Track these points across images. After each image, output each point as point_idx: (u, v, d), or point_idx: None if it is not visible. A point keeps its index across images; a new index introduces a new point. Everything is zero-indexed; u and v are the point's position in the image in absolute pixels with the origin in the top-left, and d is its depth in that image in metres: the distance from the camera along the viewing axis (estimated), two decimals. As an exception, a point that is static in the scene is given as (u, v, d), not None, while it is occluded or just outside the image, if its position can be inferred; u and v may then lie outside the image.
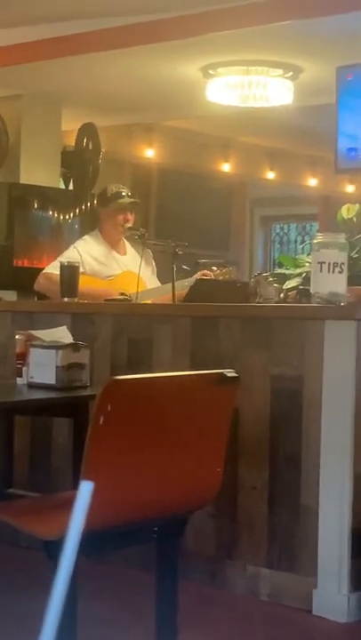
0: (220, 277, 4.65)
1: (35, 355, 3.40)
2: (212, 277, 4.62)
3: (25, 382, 3.44)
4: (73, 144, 7.04)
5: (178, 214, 9.04)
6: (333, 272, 3.41)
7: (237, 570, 3.45)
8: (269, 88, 5.90)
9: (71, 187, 7.10)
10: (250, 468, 3.44)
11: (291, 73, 5.84)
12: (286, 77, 5.87)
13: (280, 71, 5.81)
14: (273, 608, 3.31)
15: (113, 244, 4.92)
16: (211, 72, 5.85)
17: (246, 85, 5.83)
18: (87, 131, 7.00)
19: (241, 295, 4.08)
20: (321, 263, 3.43)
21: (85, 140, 6.99)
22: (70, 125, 6.95)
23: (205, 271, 4.65)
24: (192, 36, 5.17)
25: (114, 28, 5.28)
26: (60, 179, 7.08)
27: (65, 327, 3.69)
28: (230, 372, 2.82)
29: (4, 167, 6.57)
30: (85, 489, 1.01)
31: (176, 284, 4.29)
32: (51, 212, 6.66)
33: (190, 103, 6.69)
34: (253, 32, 5.09)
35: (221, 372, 2.82)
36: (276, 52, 5.56)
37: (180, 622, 2.92)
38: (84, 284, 4.32)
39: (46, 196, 6.64)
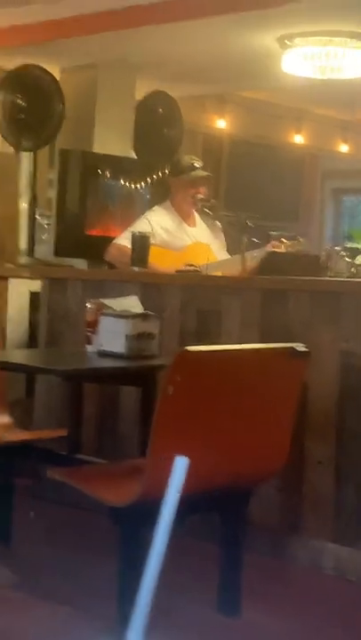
0: (290, 249, 4.62)
1: (105, 323, 3.43)
2: (283, 250, 4.59)
3: (95, 350, 3.47)
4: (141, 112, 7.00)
5: (248, 186, 8.98)
6: None
7: (302, 543, 3.45)
8: (346, 59, 5.81)
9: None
10: (316, 442, 3.43)
11: (368, 44, 5.74)
12: (363, 48, 5.77)
13: (358, 42, 5.71)
14: (337, 582, 3.32)
15: (184, 216, 4.91)
16: (287, 42, 5.77)
17: (323, 56, 5.74)
18: (158, 99, 6.96)
19: (312, 268, 4.05)
20: (394, 238, 3.39)
21: (158, 110, 6.96)
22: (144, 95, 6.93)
23: (275, 242, 4.62)
24: (270, 6, 5.11)
25: (191, -2, 5.25)
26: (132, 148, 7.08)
27: (135, 297, 3.71)
28: (301, 347, 2.82)
29: (77, 135, 6.59)
30: (180, 464, 1.02)
31: (246, 255, 4.27)
32: (122, 181, 6.67)
33: (265, 74, 6.63)
34: (332, 2, 5.01)
35: (292, 347, 2.81)
36: (354, 22, 5.47)
37: (243, 594, 2.95)
38: (153, 257, 4.33)
39: (118, 165, 6.65)
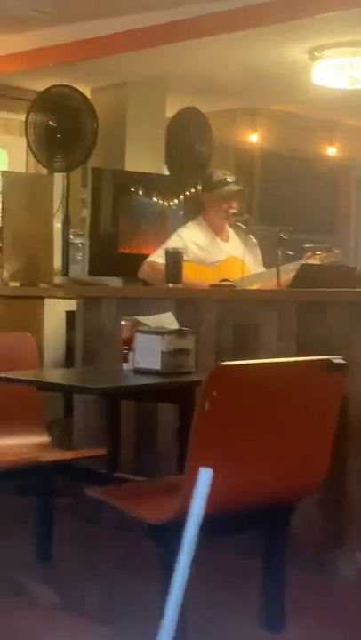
0: (326, 261, 4.59)
1: (140, 340, 3.42)
2: (318, 262, 4.56)
3: (131, 367, 3.46)
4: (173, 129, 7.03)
5: (282, 199, 8.96)
6: None
7: (345, 558, 3.41)
8: (377, 69, 5.79)
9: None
10: (357, 455, 3.39)
11: None
12: (394, 58, 5.75)
13: (387, 52, 5.69)
14: (381, 597, 3.27)
15: (217, 231, 4.90)
16: (317, 54, 5.76)
17: (354, 67, 5.72)
18: (190, 116, 6.98)
19: (348, 280, 4.01)
20: None
21: (190, 126, 6.97)
22: (175, 112, 6.95)
23: (309, 255, 4.59)
24: (299, 18, 5.10)
25: (219, 13, 5.25)
26: (164, 165, 7.10)
27: (170, 313, 3.70)
28: (338, 359, 2.78)
29: (109, 154, 6.62)
30: (204, 476, 1.00)
31: (281, 268, 4.25)
32: (155, 199, 6.69)
33: (296, 86, 6.61)
34: (360, 13, 4.99)
35: (329, 359, 2.78)
36: (383, 32, 5.45)
37: (286, 609, 2.91)
38: (187, 273, 4.32)
39: (150, 183, 6.67)
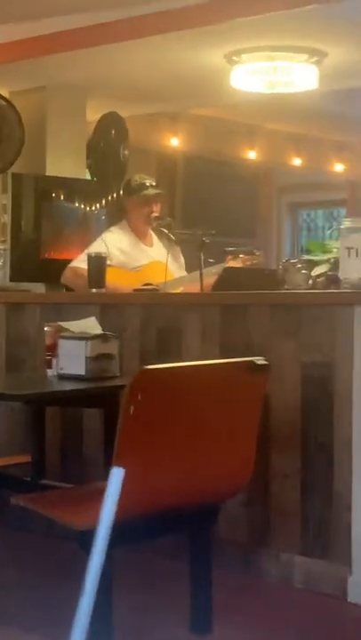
0: (248, 263, 4.62)
1: (64, 346, 3.41)
2: (240, 265, 4.60)
3: (55, 373, 3.45)
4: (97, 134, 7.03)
5: (204, 202, 9.01)
6: (362, 257, 3.38)
7: (271, 558, 3.44)
8: (294, 73, 5.85)
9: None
10: (281, 455, 3.42)
11: (316, 58, 5.79)
12: (311, 62, 5.82)
13: (305, 56, 5.76)
14: (307, 596, 3.31)
15: (140, 236, 4.91)
16: (235, 59, 5.81)
17: (271, 71, 5.79)
18: (111, 120, 6.98)
19: (269, 282, 4.05)
20: (349, 249, 3.41)
21: (111, 131, 6.98)
22: (95, 116, 6.94)
23: (231, 258, 4.63)
24: (215, 23, 5.14)
25: (136, 17, 5.26)
26: (87, 170, 7.08)
27: (94, 318, 3.69)
28: (261, 360, 2.81)
29: (29, 159, 6.57)
30: (116, 475, 1.01)
31: (204, 272, 4.28)
32: (77, 204, 6.66)
33: (215, 91, 6.66)
34: (277, 17, 5.04)
35: (252, 360, 2.81)
36: (300, 36, 5.52)
37: (214, 610, 2.93)
38: (110, 278, 4.32)
39: (72, 188, 6.64)
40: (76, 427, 4.05)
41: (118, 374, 3.41)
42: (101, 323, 3.66)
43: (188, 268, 4.86)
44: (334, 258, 3.80)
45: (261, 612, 3.17)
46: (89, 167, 7.04)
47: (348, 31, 5.35)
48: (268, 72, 5.79)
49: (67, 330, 3.51)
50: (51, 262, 6.18)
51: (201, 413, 2.71)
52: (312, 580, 3.34)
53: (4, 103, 6.28)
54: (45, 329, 3.61)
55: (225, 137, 8.62)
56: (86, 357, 3.34)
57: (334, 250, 3.91)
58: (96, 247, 4.69)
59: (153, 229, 4.93)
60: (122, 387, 3.15)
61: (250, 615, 3.13)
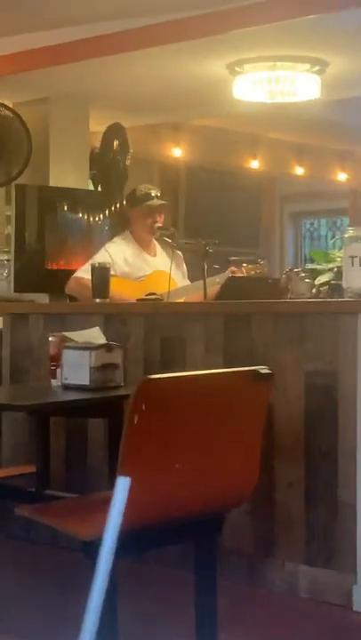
0: (252, 272, 4.63)
1: (68, 356, 3.41)
2: (243, 274, 4.61)
3: (59, 383, 3.45)
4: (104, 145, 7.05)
5: (207, 212, 9.02)
6: (365, 266, 3.39)
7: (276, 567, 3.44)
8: (296, 83, 5.87)
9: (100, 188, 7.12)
10: (286, 464, 3.42)
11: (317, 67, 5.81)
12: (313, 72, 5.84)
13: (307, 66, 5.78)
14: (312, 605, 3.30)
15: (144, 246, 4.92)
16: (237, 69, 5.83)
17: (273, 81, 5.80)
18: (115, 131, 7.01)
19: (273, 291, 4.06)
20: (353, 257, 3.42)
21: (114, 142, 7.00)
22: (98, 127, 6.96)
23: (234, 267, 4.64)
24: (217, 33, 5.16)
25: (139, 29, 5.28)
26: (90, 180, 7.10)
27: (98, 328, 3.70)
28: (264, 369, 2.81)
29: (33, 170, 6.59)
30: (122, 484, 1.01)
31: (207, 281, 4.28)
32: (81, 214, 6.68)
33: (217, 101, 6.68)
34: (279, 27, 5.06)
35: (255, 370, 2.81)
36: (302, 46, 5.54)
37: (219, 620, 2.92)
38: (113, 288, 4.33)
39: (76, 198, 6.66)
40: (80, 437, 4.05)
41: (122, 384, 3.41)
42: (105, 333, 3.67)
43: (192, 279, 4.87)
44: (338, 267, 3.81)
45: (266, 622, 3.16)
46: (92, 178, 7.06)
47: (349, 40, 5.37)
48: (271, 82, 5.81)
49: (71, 340, 3.51)
50: (55, 273, 6.19)
51: (205, 423, 2.71)
52: (317, 589, 3.34)
53: (10, 115, 6.30)
54: (49, 339, 3.62)
55: (227, 147, 8.64)
56: (90, 367, 3.34)
57: (338, 259, 3.92)
58: (100, 258, 4.70)
59: (156, 239, 4.95)
60: (126, 396, 3.16)
61: (255, 625, 3.12)
